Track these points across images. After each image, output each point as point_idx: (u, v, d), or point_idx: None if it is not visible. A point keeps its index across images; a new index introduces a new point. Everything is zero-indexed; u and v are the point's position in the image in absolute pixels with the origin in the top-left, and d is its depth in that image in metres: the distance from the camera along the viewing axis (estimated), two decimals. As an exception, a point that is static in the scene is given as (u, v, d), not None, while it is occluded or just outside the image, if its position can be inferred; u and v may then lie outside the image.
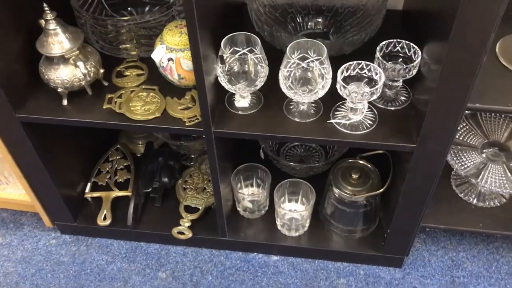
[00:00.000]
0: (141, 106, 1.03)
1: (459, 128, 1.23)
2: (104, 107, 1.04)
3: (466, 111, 0.92)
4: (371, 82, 0.94)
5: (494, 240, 1.34)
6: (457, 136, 1.22)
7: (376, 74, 0.93)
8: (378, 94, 0.92)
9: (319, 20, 1.17)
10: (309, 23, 1.18)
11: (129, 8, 1.20)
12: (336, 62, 0.95)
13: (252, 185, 1.34)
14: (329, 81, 0.93)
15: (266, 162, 1.33)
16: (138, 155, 1.48)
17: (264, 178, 1.30)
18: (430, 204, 1.23)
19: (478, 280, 1.27)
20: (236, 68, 0.95)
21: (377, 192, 1.16)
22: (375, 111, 1.00)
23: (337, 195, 1.21)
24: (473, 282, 1.27)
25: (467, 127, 1.23)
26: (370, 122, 0.98)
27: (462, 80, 0.82)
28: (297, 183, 1.27)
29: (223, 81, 0.95)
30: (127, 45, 1.09)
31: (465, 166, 1.17)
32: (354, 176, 1.20)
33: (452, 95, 0.84)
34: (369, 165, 1.22)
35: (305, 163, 1.39)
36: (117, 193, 1.37)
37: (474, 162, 1.18)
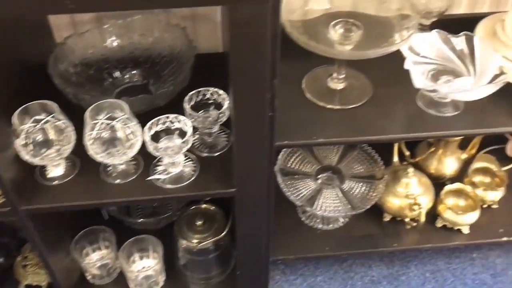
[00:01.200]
0: None
1: (293, 157, 1.27)
2: None
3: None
4: (183, 133, 0.93)
5: (347, 259, 1.40)
6: (291, 166, 1.26)
7: (186, 125, 0.92)
8: (190, 145, 0.91)
9: (138, 72, 1.15)
10: (128, 77, 1.15)
11: None
12: (154, 115, 0.93)
13: (100, 249, 1.27)
14: (139, 138, 0.91)
15: (113, 220, 1.27)
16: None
17: (110, 239, 1.24)
18: (278, 236, 1.25)
19: (336, 300, 1.32)
20: (38, 138, 0.89)
21: (219, 236, 1.15)
22: (197, 160, 0.99)
23: (184, 246, 1.18)
24: (331, 304, 1.31)
25: (301, 156, 1.28)
26: (192, 172, 0.97)
27: (257, 121, 0.83)
28: (143, 239, 1.22)
29: (25, 155, 0.88)
30: None
31: (302, 194, 1.20)
32: (199, 223, 1.18)
33: (252, 136, 0.85)
34: (212, 208, 1.21)
35: (159, 214, 1.34)
36: None
37: (310, 189, 1.22)
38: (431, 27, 1.10)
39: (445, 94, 0.93)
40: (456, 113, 1.00)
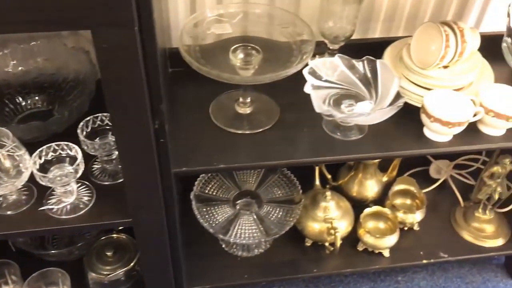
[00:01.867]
0: None
1: (211, 183, 1.25)
2: None
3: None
4: (75, 160, 0.90)
5: (271, 286, 1.37)
6: (209, 192, 1.23)
7: (77, 152, 0.89)
8: (80, 173, 0.87)
9: (42, 98, 1.11)
10: (32, 102, 1.11)
11: None
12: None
13: (7, 283, 1.20)
14: (28, 168, 0.86)
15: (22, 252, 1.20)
16: None
17: (16, 273, 1.17)
18: (195, 265, 1.22)
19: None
20: None
21: (128, 267, 1.11)
22: (93, 189, 0.95)
23: (94, 279, 1.13)
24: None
25: (219, 181, 1.26)
26: (87, 202, 0.93)
27: (143, 148, 0.80)
28: (51, 272, 1.16)
29: None
30: None
31: (217, 221, 1.17)
32: (109, 253, 1.14)
33: (140, 164, 0.82)
34: (124, 237, 1.17)
35: (74, 243, 1.28)
36: None
37: (226, 215, 1.19)
38: (343, 51, 1.12)
39: (342, 118, 0.93)
40: (360, 136, 1.00)
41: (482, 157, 1.46)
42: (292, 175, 1.26)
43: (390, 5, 1.25)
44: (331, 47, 1.10)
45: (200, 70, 0.86)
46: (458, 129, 0.96)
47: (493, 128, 1.00)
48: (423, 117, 0.97)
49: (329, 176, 1.35)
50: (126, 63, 0.68)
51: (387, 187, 1.36)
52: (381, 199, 1.35)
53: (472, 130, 1.02)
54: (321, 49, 1.12)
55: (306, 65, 0.96)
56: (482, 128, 1.02)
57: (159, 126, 0.81)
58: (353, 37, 1.30)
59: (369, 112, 0.89)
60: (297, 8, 1.21)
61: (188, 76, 0.98)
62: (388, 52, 1.13)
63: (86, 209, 0.91)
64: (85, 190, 0.94)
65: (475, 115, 0.98)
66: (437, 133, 0.98)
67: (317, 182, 1.31)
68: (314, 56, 1.13)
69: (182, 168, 0.91)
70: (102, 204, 0.93)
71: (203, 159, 0.93)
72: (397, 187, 1.34)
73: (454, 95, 1.00)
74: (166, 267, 1.03)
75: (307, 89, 0.93)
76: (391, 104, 0.94)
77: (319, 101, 0.95)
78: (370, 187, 1.33)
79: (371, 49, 1.14)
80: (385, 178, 1.34)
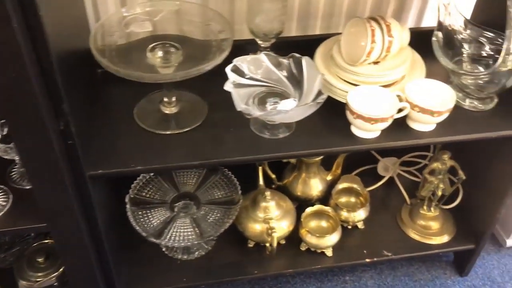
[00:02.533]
0: None
1: (149, 186, 1.22)
2: None
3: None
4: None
5: (218, 288, 1.35)
6: (146, 195, 1.21)
7: (-13, 156, 0.86)
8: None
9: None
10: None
11: None
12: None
13: None
14: None
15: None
16: None
17: None
18: (133, 269, 1.19)
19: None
20: None
21: (58, 273, 1.08)
22: (10, 193, 0.92)
23: (25, 287, 1.10)
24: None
25: (157, 184, 1.23)
26: (1, 207, 0.90)
27: (46, 151, 0.78)
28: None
29: None
30: None
31: (152, 224, 1.15)
32: (40, 259, 1.11)
33: (46, 167, 0.80)
34: (57, 244, 1.14)
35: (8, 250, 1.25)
36: None
37: (162, 218, 1.17)
38: (279, 49, 1.10)
39: (261, 116, 0.91)
40: (288, 134, 0.99)
41: (430, 154, 1.45)
42: (232, 175, 1.24)
43: (328, 1, 1.24)
44: (263, 45, 1.09)
45: (109, 69, 0.83)
46: (382, 125, 0.94)
47: (421, 124, 0.99)
48: (348, 114, 0.96)
49: (273, 176, 1.33)
50: (11, 63, 0.65)
51: (332, 185, 1.34)
52: (327, 198, 1.34)
53: (401, 126, 1.01)
54: (255, 48, 1.11)
55: (230, 62, 0.95)
56: (411, 124, 1.00)
57: (65, 127, 0.79)
58: (291, 34, 1.30)
59: (287, 110, 0.88)
60: (231, 6, 1.20)
61: (118, 77, 0.96)
62: (320, 49, 1.12)
63: (0, 214, 0.89)
64: (0, 195, 0.92)
65: (401, 110, 0.97)
66: (362, 129, 0.96)
67: (261, 182, 1.28)
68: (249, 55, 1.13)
69: (98, 170, 0.88)
70: (18, 209, 0.91)
71: (121, 161, 0.91)
72: (341, 185, 1.32)
73: (380, 91, 0.99)
74: (90, 272, 1.00)
75: (227, 87, 0.92)
76: (313, 101, 0.92)
77: (240, 99, 0.94)
78: (315, 186, 1.31)
79: (308, 46, 1.13)
80: (329, 177, 1.33)
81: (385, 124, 0.95)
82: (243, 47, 1.12)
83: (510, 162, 1.13)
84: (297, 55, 0.99)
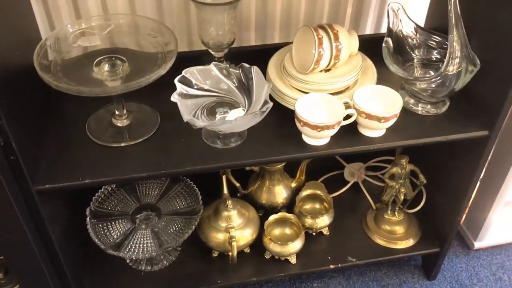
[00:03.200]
0: None
1: (111, 198, 1.22)
2: None
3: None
4: None
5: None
6: (107, 207, 1.21)
7: None
8: None
9: None
10: None
11: None
12: None
13: None
14: None
15: None
16: None
17: None
18: (96, 282, 1.19)
19: None
20: None
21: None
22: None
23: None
24: None
25: (119, 196, 1.24)
26: (-49, 224, 0.91)
27: None
28: None
29: None
30: None
31: (112, 237, 1.15)
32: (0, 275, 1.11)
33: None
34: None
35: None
36: None
37: (123, 231, 1.17)
38: (234, 58, 1.11)
39: (208, 126, 0.92)
40: (240, 142, 0.99)
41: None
42: (194, 186, 1.25)
43: (285, 11, 1.25)
44: (216, 55, 1.10)
45: (51, 84, 0.84)
46: (330, 132, 0.95)
47: (371, 130, 1.00)
48: (296, 122, 0.96)
49: (237, 185, 1.34)
50: None
51: (297, 192, 1.35)
52: (292, 205, 1.34)
53: (351, 132, 1.01)
54: (210, 58, 1.11)
55: (180, 73, 0.96)
56: (361, 130, 1.01)
57: (5, 143, 0.79)
58: (251, 44, 1.31)
59: (231, 120, 0.88)
60: (187, 17, 1.21)
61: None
62: (274, 58, 1.13)
63: None
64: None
65: (349, 117, 0.98)
66: (311, 137, 0.97)
67: (225, 191, 1.28)
68: (204, 64, 1.14)
69: (45, 185, 0.89)
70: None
71: (69, 175, 0.91)
72: (304, 192, 1.33)
73: (329, 99, 1.00)
74: (45, 286, 1.00)
75: (174, 98, 0.92)
76: (259, 110, 0.93)
77: (189, 110, 0.94)
78: (279, 193, 1.32)
79: (265, 55, 1.14)
80: (294, 184, 1.33)
81: (333, 131, 0.95)
82: (199, 58, 1.14)
83: (468, 164, 1.14)
84: (246, 65, 0.99)
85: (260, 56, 1.14)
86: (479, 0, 1.02)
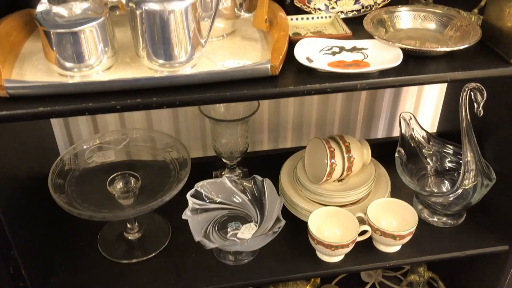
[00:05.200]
0: None
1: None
2: None
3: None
4: None
5: None
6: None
7: None
8: None
9: None
10: None
11: None
12: None
13: None
14: None
15: None
16: None
17: None
18: None
19: None
20: None
21: None
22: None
23: None
24: None
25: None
26: None
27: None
28: None
29: None
30: None
31: None
32: None
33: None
34: None
35: None
36: None
37: None
38: (244, 163, 1.12)
39: (221, 246, 0.90)
40: (252, 258, 0.97)
41: (413, 258, 1.41)
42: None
43: (297, 116, 1.27)
44: (229, 163, 1.11)
45: (63, 207, 0.84)
46: (344, 251, 0.93)
47: (386, 246, 0.97)
48: (310, 239, 0.95)
49: (250, 288, 1.30)
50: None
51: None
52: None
53: (367, 247, 0.99)
54: (221, 164, 1.12)
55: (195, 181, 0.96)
56: (376, 245, 0.98)
57: (14, 271, 0.79)
58: (263, 147, 1.32)
59: (242, 242, 0.87)
60: (203, 129, 1.23)
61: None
62: (286, 165, 1.13)
63: None
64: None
65: (363, 233, 0.96)
66: (324, 254, 0.95)
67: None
68: (217, 170, 1.15)
69: None
70: None
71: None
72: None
73: (342, 213, 0.98)
74: None
75: (185, 215, 0.92)
76: (272, 227, 0.92)
77: (200, 225, 0.94)
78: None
79: (278, 159, 1.14)
80: (309, 287, 1.29)
81: (347, 249, 0.93)
82: (212, 164, 1.15)
83: (490, 277, 1.09)
84: (259, 178, 0.99)
85: (272, 162, 1.14)
86: (491, 112, 1.02)
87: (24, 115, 0.64)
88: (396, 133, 1.33)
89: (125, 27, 0.75)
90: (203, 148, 1.27)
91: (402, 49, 0.74)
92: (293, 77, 0.72)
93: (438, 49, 0.74)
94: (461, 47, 0.73)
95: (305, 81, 0.70)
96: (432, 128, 1.29)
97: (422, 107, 1.31)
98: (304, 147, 1.15)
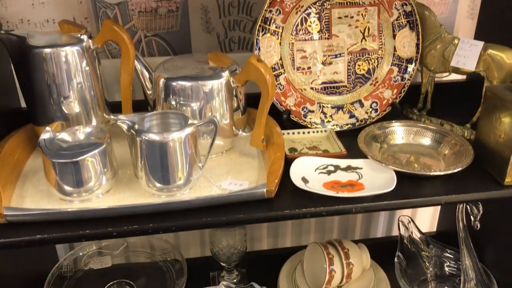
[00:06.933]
0: None
1: None
2: None
3: None
4: None
5: None
6: None
7: None
8: None
9: None
10: None
11: None
12: None
13: None
14: None
15: None
16: None
17: None
18: None
19: None
20: None
21: None
22: None
23: None
24: None
25: None
26: None
27: None
28: None
29: None
30: None
31: None
32: None
33: None
34: None
35: None
36: None
37: None
38: (244, 263, 1.11)
39: None
40: None
41: None
42: None
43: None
44: (227, 266, 1.09)
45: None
46: None
47: None
48: None
49: None
50: None
51: None
52: None
53: None
54: (219, 265, 1.11)
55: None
56: None
57: None
58: (262, 247, 1.30)
59: None
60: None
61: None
62: (285, 268, 1.11)
63: None
64: None
65: None
66: None
67: None
68: (215, 271, 1.13)
69: None
70: None
71: None
72: None
73: (342, 325, 0.96)
74: None
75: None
76: None
77: None
78: None
79: (277, 259, 1.13)
80: None
81: None
82: (209, 265, 1.13)
83: None
84: (257, 286, 0.98)
85: (272, 262, 1.13)
86: (488, 223, 1.02)
87: (22, 243, 0.64)
88: (396, 232, 1.32)
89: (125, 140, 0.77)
90: (201, 243, 1.26)
91: (396, 170, 0.75)
92: (288, 198, 0.73)
93: (431, 173, 0.75)
94: (455, 170, 0.75)
95: (300, 204, 0.71)
96: (432, 227, 1.28)
97: (419, 212, 1.31)
98: (304, 247, 1.15)
